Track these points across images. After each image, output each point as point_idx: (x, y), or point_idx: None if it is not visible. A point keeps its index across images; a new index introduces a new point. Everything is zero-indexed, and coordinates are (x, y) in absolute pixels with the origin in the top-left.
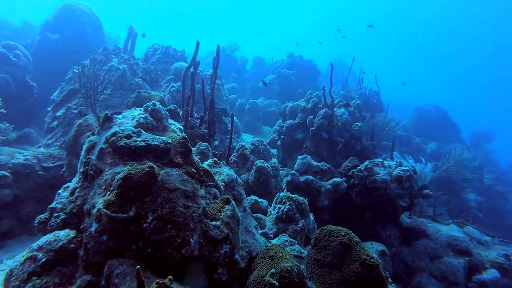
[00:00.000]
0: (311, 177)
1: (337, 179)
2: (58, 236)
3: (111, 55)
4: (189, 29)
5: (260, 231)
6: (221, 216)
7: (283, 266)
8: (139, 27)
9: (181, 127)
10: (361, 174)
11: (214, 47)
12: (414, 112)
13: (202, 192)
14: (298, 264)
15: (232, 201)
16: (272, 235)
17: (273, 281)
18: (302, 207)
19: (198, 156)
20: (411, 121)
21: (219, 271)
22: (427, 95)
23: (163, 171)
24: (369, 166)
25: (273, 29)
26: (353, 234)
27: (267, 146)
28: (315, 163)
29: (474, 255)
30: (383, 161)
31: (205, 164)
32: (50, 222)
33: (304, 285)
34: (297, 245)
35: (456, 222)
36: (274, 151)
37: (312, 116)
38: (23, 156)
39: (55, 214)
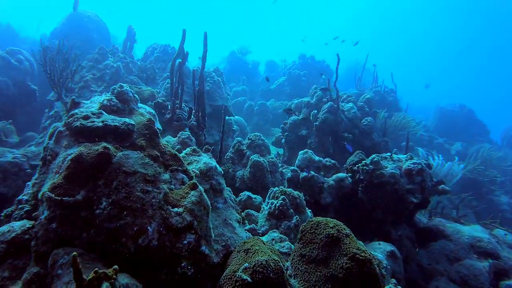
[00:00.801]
0: (312, 173)
1: (340, 175)
2: (12, 227)
3: (107, 54)
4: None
5: (248, 226)
6: (185, 203)
7: (257, 260)
8: (152, 30)
9: (151, 110)
10: (367, 168)
11: (228, 52)
12: (436, 112)
13: (166, 176)
14: (276, 259)
15: (200, 187)
16: (261, 232)
17: (245, 277)
18: (297, 202)
19: (178, 146)
20: (433, 122)
21: (183, 264)
22: (453, 96)
23: (121, 153)
24: (375, 159)
25: (287, 32)
26: (344, 226)
27: (265, 141)
28: (317, 158)
29: (502, 258)
30: (391, 155)
31: (183, 152)
32: (14, 215)
33: (284, 282)
34: (287, 242)
35: (483, 224)
36: (280, 151)
37: (316, 111)
38: (13, 154)
39: (20, 206)
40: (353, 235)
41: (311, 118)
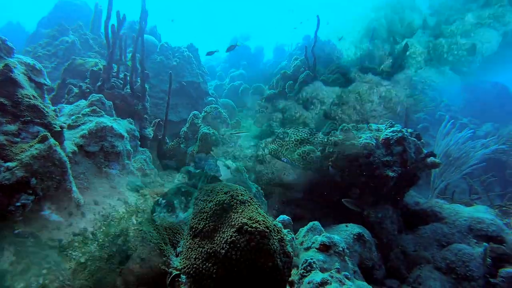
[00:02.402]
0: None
1: (306, 147)
2: None
3: (68, 32)
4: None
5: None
6: (22, 156)
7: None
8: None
9: (32, 62)
10: (336, 139)
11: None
12: (463, 92)
13: (10, 128)
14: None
15: (51, 139)
16: None
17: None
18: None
19: (87, 109)
20: (461, 102)
21: (16, 231)
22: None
23: None
24: (345, 128)
25: (298, 18)
26: (243, 192)
27: (223, 113)
28: (281, 130)
29: (508, 242)
30: (369, 124)
31: (80, 113)
32: None
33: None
34: None
35: (498, 207)
36: None
37: (291, 81)
38: None
39: None
40: (254, 202)
41: (286, 90)
